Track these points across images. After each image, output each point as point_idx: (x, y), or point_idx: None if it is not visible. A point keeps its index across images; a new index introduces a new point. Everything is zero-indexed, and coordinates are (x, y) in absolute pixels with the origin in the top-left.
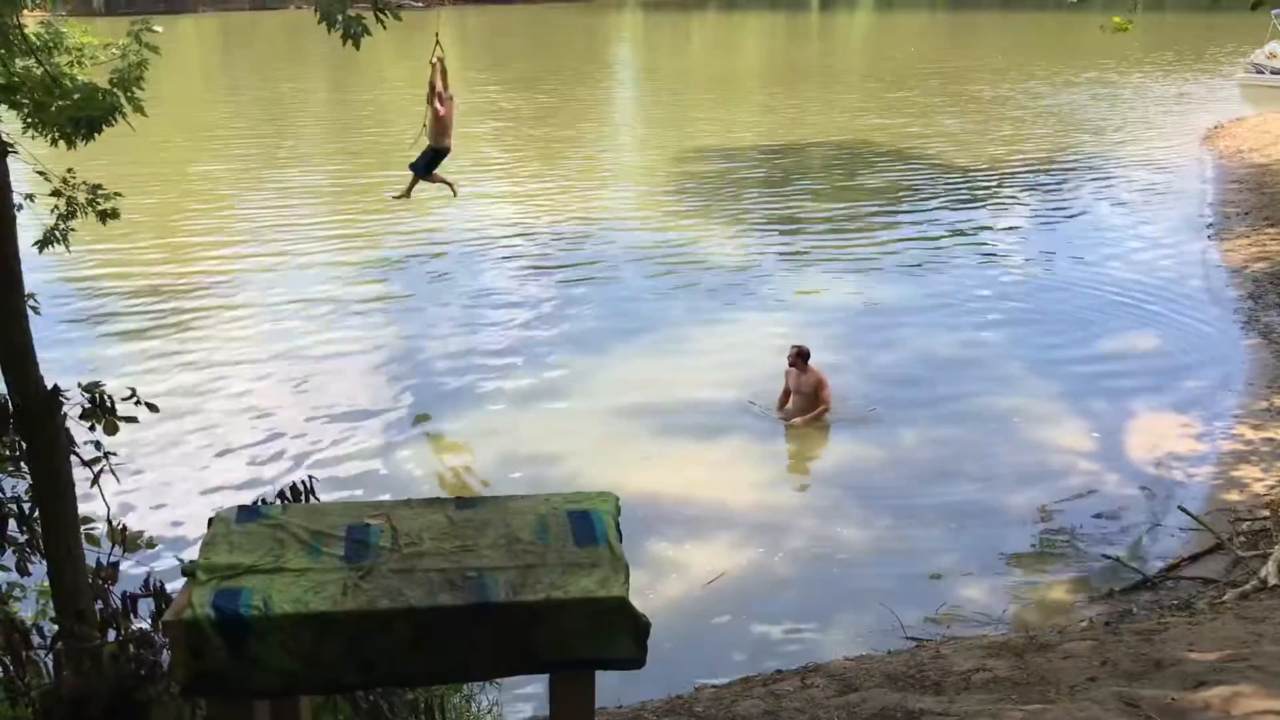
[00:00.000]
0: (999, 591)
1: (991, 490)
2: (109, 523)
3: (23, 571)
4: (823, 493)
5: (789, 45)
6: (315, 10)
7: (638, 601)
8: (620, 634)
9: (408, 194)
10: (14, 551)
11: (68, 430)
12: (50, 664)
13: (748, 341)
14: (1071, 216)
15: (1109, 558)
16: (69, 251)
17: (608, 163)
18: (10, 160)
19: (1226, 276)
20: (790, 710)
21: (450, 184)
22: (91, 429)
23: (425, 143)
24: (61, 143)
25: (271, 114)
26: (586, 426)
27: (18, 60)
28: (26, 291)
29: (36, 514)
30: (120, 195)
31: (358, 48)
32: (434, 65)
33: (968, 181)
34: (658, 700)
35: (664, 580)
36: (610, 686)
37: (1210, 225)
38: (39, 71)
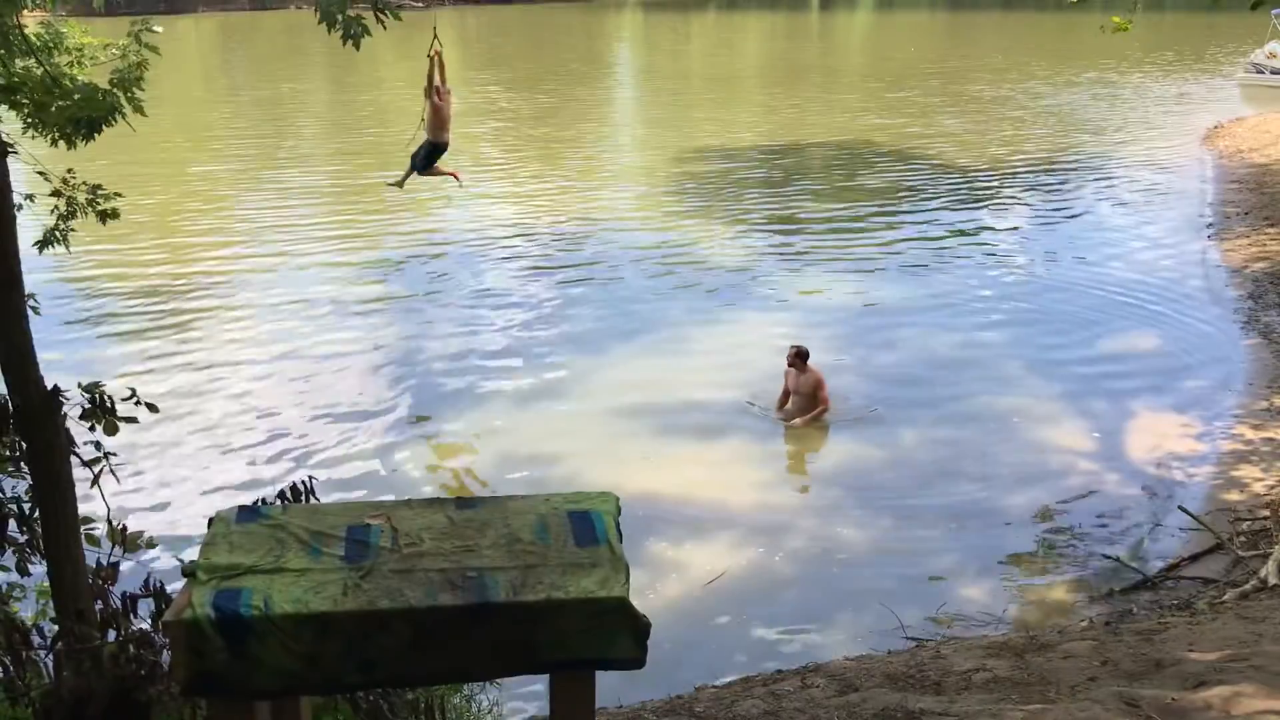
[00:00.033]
0: (999, 591)
1: (991, 490)
2: (109, 523)
3: (23, 572)
4: (823, 493)
5: (789, 45)
6: (315, 10)
7: (638, 601)
8: (620, 634)
9: (401, 184)
10: (14, 552)
11: (68, 430)
12: (50, 664)
13: (748, 342)
14: (1072, 216)
15: (1109, 558)
16: (69, 252)
17: (608, 163)
18: (10, 160)
19: (1226, 276)
20: (790, 710)
21: (455, 174)
22: (91, 429)
23: (424, 137)
24: (61, 143)
25: (271, 114)
26: (587, 427)
27: (18, 60)
28: (27, 292)
29: (37, 514)
30: (120, 195)
31: (358, 48)
32: (431, 59)
33: (968, 181)
34: (658, 700)
35: (664, 580)
36: (611, 686)
37: (1210, 225)
38: (39, 72)
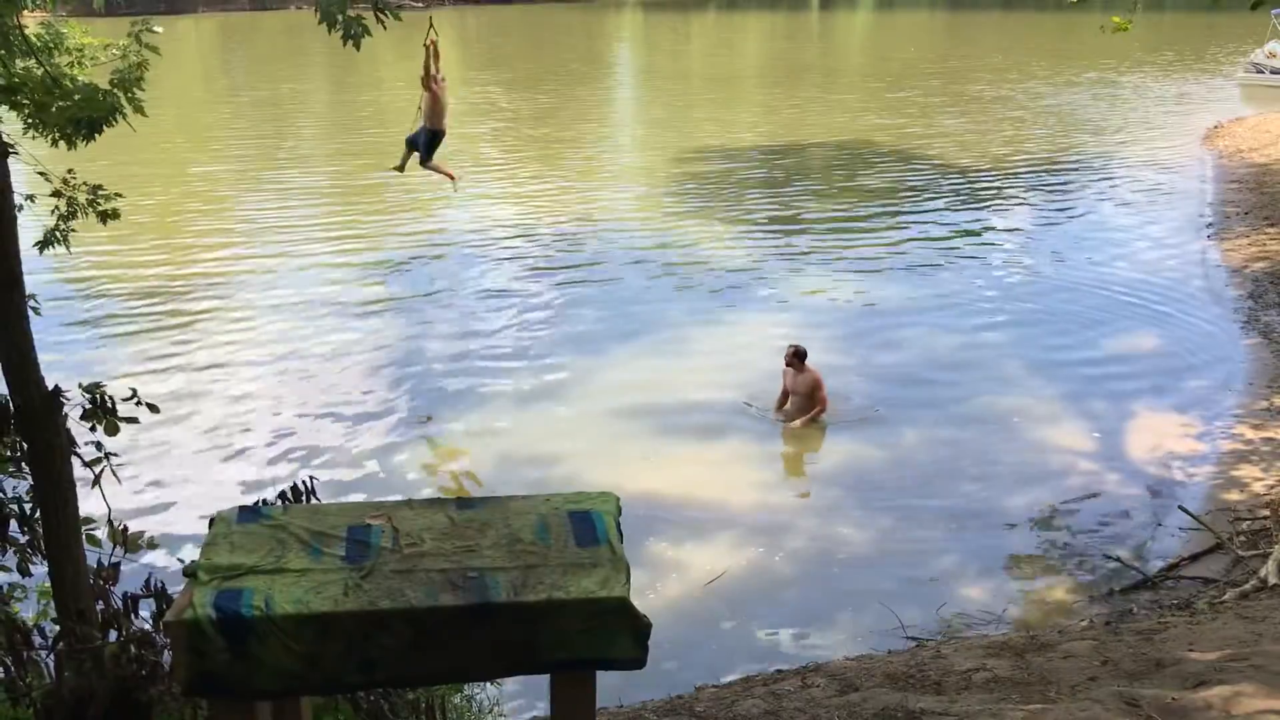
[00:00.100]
0: (999, 591)
1: (992, 490)
2: (110, 523)
3: (24, 572)
4: (823, 493)
5: (789, 45)
6: (315, 11)
7: (638, 602)
8: (621, 634)
9: (401, 168)
10: (15, 552)
11: (69, 431)
12: (51, 664)
13: (748, 342)
14: (1072, 216)
15: (1109, 557)
16: (69, 252)
17: (608, 163)
18: (11, 161)
19: (1226, 276)
20: (791, 710)
21: (451, 175)
22: (92, 430)
23: (420, 124)
24: (62, 143)
25: (271, 114)
26: (587, 427)
27: (18, 61)
28: (27, 292)
29: (38, 514)
30: (121, 196)
31: (358, 48)
32: (427, 48)
33: (968, 181)
34: (658, 700)
35: (664, 580)
36: (611, 686)
37: (1210, 225)
38: (40, 72)
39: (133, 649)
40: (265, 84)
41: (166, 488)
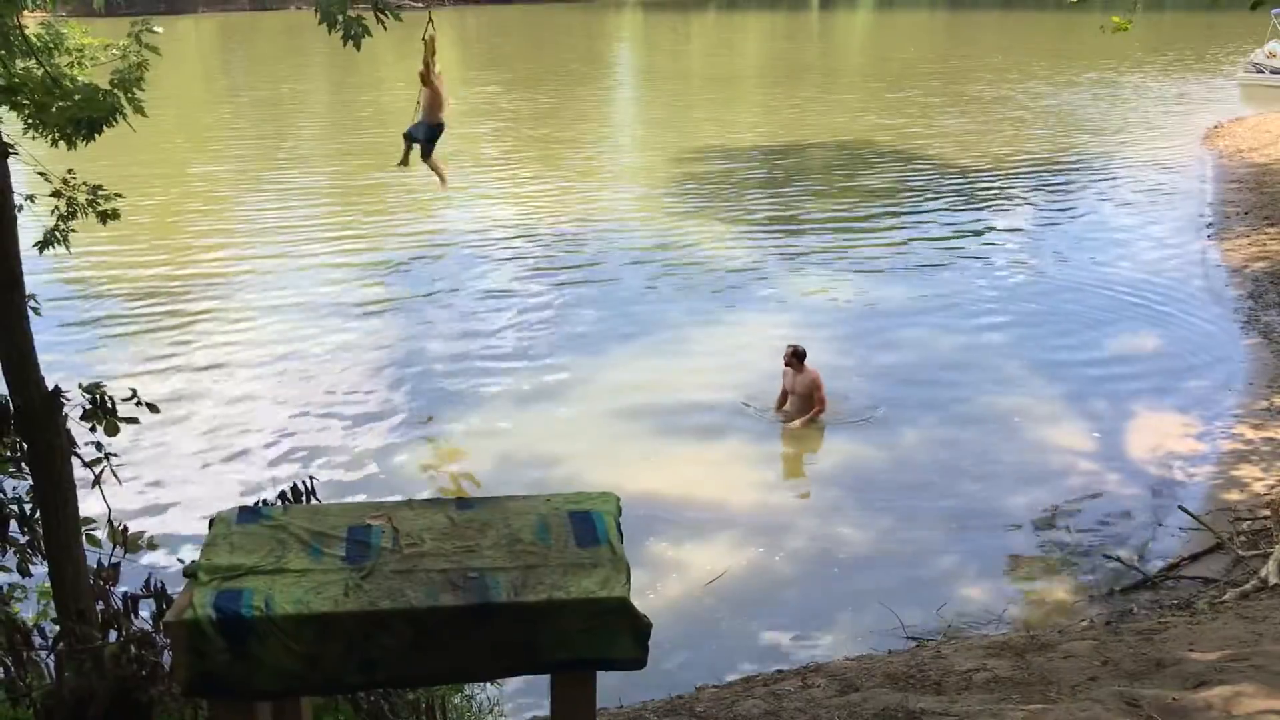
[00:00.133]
0: (1000, 591)
1: (992, 490)
2: (110, 523)
3: (24, 572)
4: (823, 493)
5: (789, 45)
6: (315, 11)
7: (638, 602)
8: (621, 634)
9: (405, 161)
10: (15, 552)
11: (69, 431)
12: (52, 665)
13: (749, 342)
14: (1072, 217)
15: (1110, 557)
16: (70, 253)
17: (608, 163)
18: (11, 161)
19: (1226, 276)
20: (791, 710)
21: (443, 179)
22: (92, 430)
23: (419, 118)
24: (62, 143)
25: (271, 115)
26: (587, 427)
27: (19, 61)
28: (27, 292)
29: (38, 515)
30: (121, 196)
31: (358, 49)
32: (426, 42)
33: (968, 181)
34: (659, 700)
35: (665, 580)
36: (611, 686)
37: (1210, 225)
38: (40, 72)
39: (133, 649)
40: (265, 84)
41: (166, 488)
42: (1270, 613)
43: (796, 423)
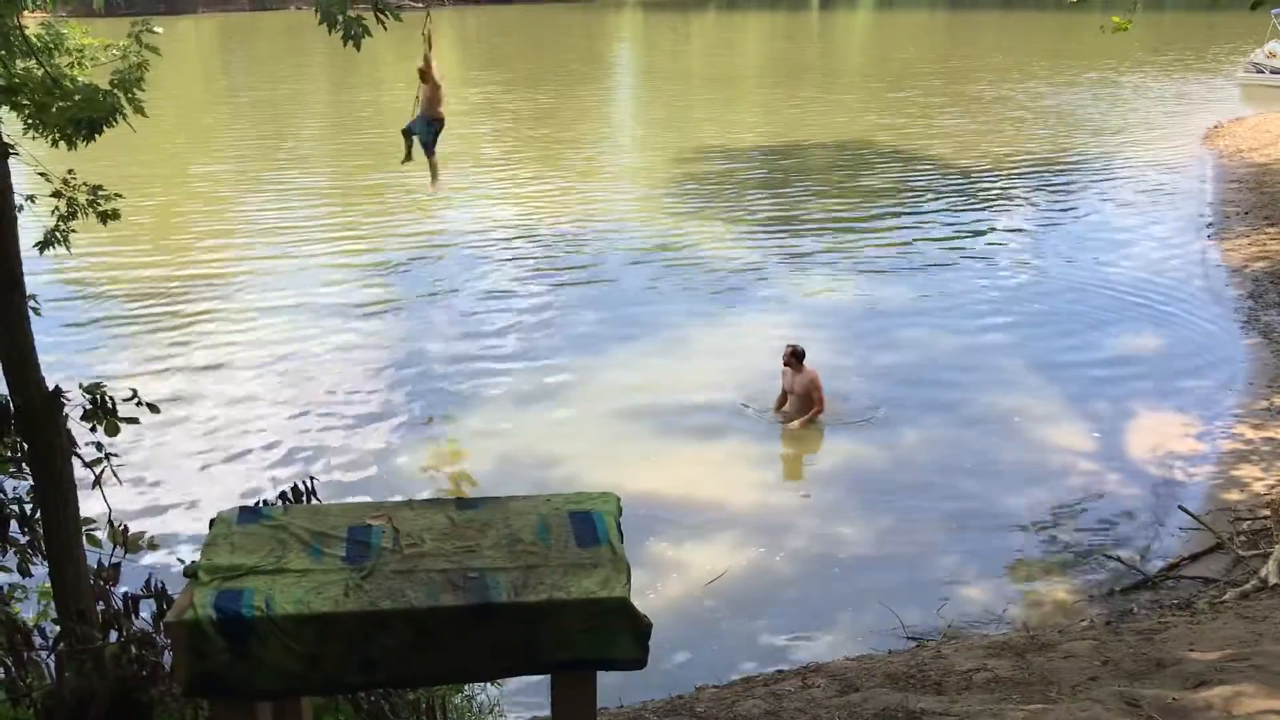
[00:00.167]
0: (1000, 591)
1: (992, 490)
2: (110, 523)
3: (24, 573)
4: (823, 493)
5: (789, 45)
6: (315, 11)
7: (639, 602)
8: (622, 634)
9: (409, 157)
10: (16, 552)
11: (69, 431)
12: (52, 665)
13: (749, 343)
14: (1072, 217)
15: (1110, 557)
16: (70, 253)
17: (608, 164)
18: (11, 161)
19: (1226, 276)
20: (791, 710)
21: (434, 174)
22: (93, 430)
23: (418, 114)
24: (62, 144)
25: (271, 115)
26: (588, 427)
27: (19, 61)
28: (28, 293)
29: (38, 515)
30: (121, 196)
31: (358, 49)
32: (425, 37)
33: (969, 182)
34: (659, 700)
35: (665, 580)
36: (612, 687)
37: (1210, 225)
38: (40, 73)
39: (133, 649)
40: (265, 84)
41: (167, 488)
42: (1270, 613)
43: (795, 423)
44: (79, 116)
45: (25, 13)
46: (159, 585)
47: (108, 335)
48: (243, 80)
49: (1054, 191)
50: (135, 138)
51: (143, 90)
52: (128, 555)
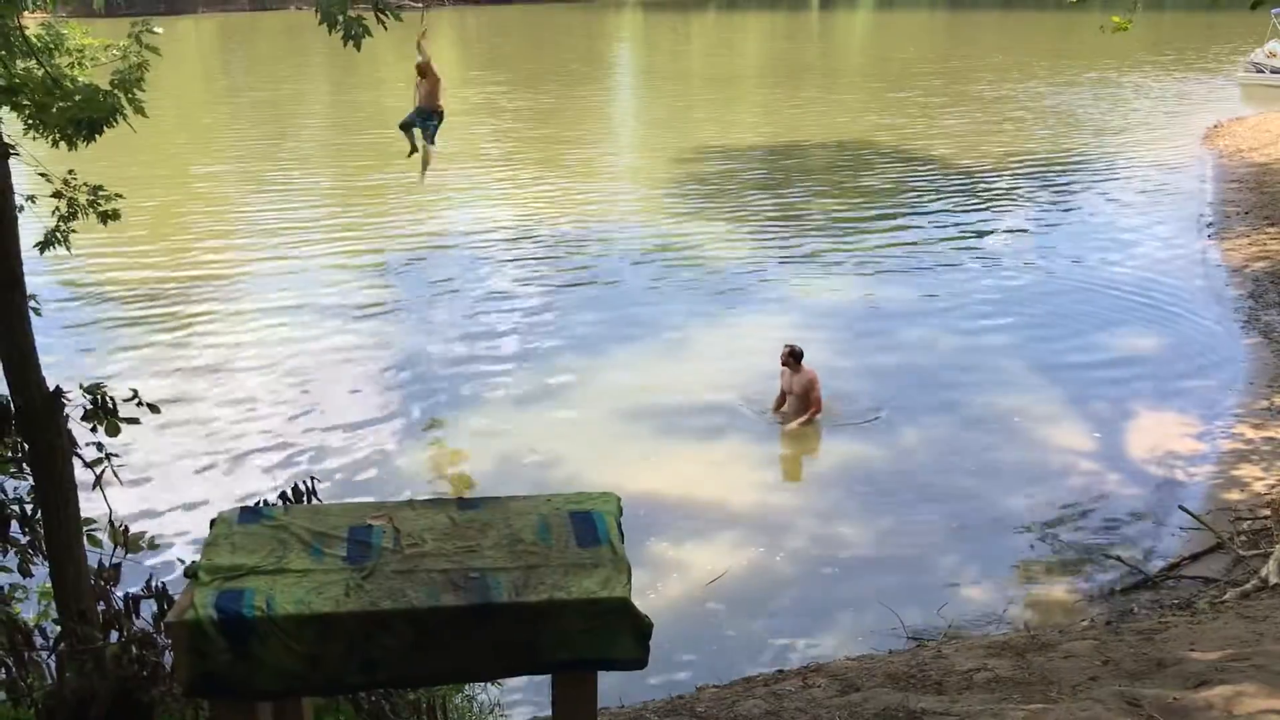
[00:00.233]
0: (1000, 591)
1: (992, 490)
2: (111, 524)
3: (25, 573)
4: (823, 493)
5: (789, 45)
6: (315, 11)
7: (639, 601)
8: (622, 634)
9: (414, 148)
10: (16, 553)
11: (70, 432)
12: (53, 665)
13: (751, 343)
14: (1072, 217)
15: (1110, 557)
16: (70, 253)
17: (609, 164)
18: (12, 162)
19: (1226, 276)
20: (792, 710)
21: (425, 166)
22: (93, 430)
23: (417, 106)
24: (62, 144)
25: (272, 115)
26: (588, 427)
27: (19, 62)
28: (28, 293)
29: (39, 515)
30: (121, 196)
31: (358, 49)
32: (418, 41)
33: (969, 182)
34: (659, 700)
35: (665, 580)
36: (612, 686)
37: (1210, 224)
38: (40, 73)
39: (134, 650)
40: (265, 84)
41: (167, 488)
42: (1271, 612)
43: (794, 424)
44: (79, 117)
45: (25, 13)
46: (160, 585)
47: (108, 336)
48: (243, 80)
49: (1054, 191)
50: (135, 138)
51: (143, 90)
52: (128, 555)
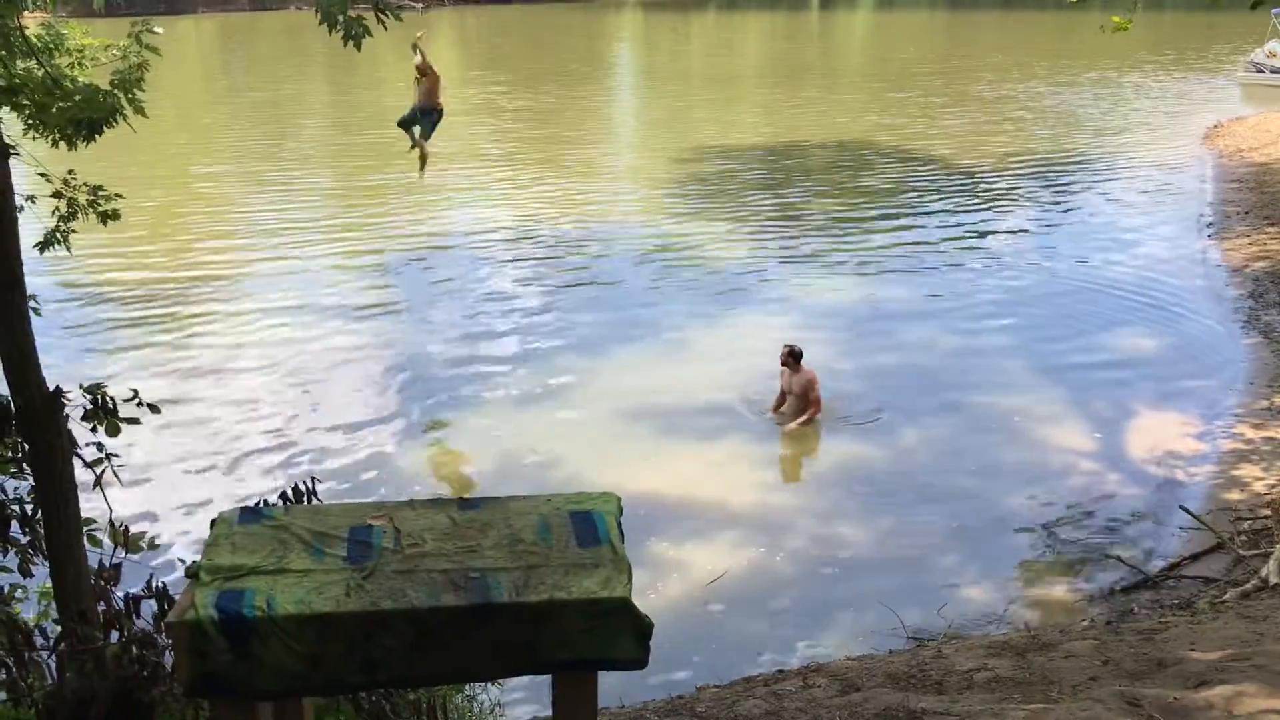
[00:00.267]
0: (1000, 591)
1: (993, 490)
2: (111, 524)
3: (25, 573)
4: (824, 493)
5: (789, 45)
6: (315, 11)
7: (639, 601)
8: (623, 634)
9: (414, 142)
10: (17, 553)
11: (70, 432)
12: (53, 665)
13: (751, 343)
14: (1072, 217)
15: (1110, 557)
16: (70, 253)
17: (609, 164)
18: (12, 162)
19: (1227, 275)
20: (792, 710)
21: (423, 163)
22: (94, 430)
23: (416, 104)
24: (62, 144)
25: (272, 115)
26: (588, 428)
27: (19, 62)
28: (28, 293)
29: (39, 515)
30: (121, 196)
31: (359, 49)
32: (414, 45)
33: (970, 182)
34: (659, 700)
35: (665, 580)
36: (612, 686)
37: (1210, 224)
38: (40, 73)
39: (134, 650)
40: (265, 84)
41: (168, 489)
42: (1271, 612)
43: (793, 424)
44: (79, 117)
45: (25, 13)
46: (160, 585)
47: (108, 336)
48: (243, 80)
49: (1054, 191)
50: (135, 138)
51: (143, 90)
52: (128, 555)
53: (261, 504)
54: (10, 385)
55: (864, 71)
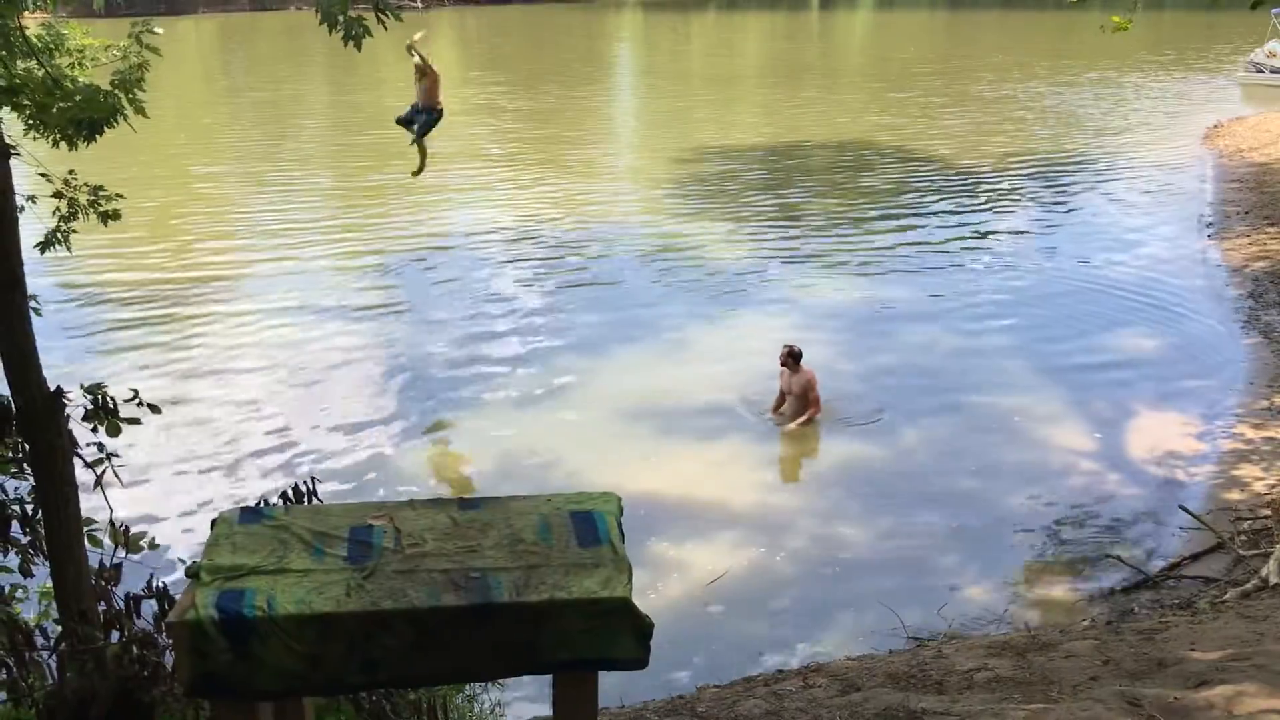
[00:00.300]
0: (1000, 591)
1: (993, 490)
2: (111, 524)
3: (26, 573)
4: (824, 493)
5: (789, 45)
6: (316, 11)
7: (640, 601)
8: (623, 634)
9: (415, 139)
10: (17, 553)
11: (70, 432)
12: (53, 665)
13: (752, 344)
14: (1072, 217)
15: (1110, 557)
16: (70, 253)
17: (609, 164)
18: (12, 162)
19: (1227, 275)
20: (792, 710)
21: (422, 162)
22: (94, 430)
23: (415, 103)
24: (63, 144)
25: (272, 115)
26: (589, 428)
27: (19, 62)
28: (29, 293)
29: (39, 515)
30: (121, 196)
31: (359, 49)
32: (411, 48)
33: (970, 182)
34: (660, 700)
35: (666, 580)
36: (613, 686)
37: (1210, 224)
38: (41, 73)
39: (135, 650)
40: (265, 84)
41: (168, 489)
42: (1272, 612)
43: (793, 424)
44: (80, 117)
45: (26, 13)
46: (160, 585)
47: (108, 336)
48: (243, 80)
49: (1054, 191)
50: (135, 138)
51: (143, 91)
52: (129, 555)
53: (262, 504)
54: (11, 385)
55: (864, 71)
